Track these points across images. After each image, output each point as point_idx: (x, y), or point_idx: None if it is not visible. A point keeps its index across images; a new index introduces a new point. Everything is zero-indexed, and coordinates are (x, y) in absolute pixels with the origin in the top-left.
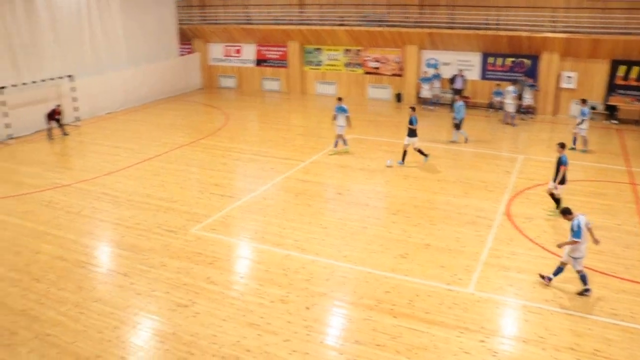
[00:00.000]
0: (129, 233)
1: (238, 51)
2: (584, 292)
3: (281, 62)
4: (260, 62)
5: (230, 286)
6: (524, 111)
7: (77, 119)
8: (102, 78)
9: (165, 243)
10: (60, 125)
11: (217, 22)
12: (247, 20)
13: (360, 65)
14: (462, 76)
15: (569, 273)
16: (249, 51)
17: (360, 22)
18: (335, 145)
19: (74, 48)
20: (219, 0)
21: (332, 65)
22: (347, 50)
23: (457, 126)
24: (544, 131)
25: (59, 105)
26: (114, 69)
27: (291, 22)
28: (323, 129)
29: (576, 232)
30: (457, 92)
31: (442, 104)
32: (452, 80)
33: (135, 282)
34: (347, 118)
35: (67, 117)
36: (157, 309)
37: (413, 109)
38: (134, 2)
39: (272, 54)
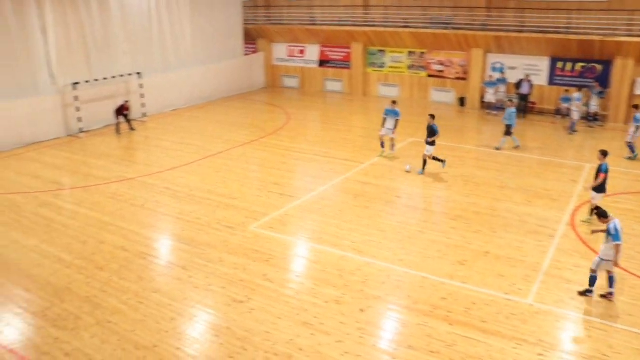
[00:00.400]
0: (189, 227)
1: (302, 52)
2: (586, 292)
3: (344, 64)
4: (323, 62)
5: (286, 284)
6: (591, 119)
7: (144, 115)
8: (169, 76)
9: (223, 239)
10: (128, 121)
11: (282, 22)
12: (312, 21)
13: (423, 68)
14: (528, 81)
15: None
16: (313, 52)
17: (425, 25)
18: (392, 148)
19: (143, 46)
20: (284, 1)
21: (395, 67)
22: (411, 53)
23: (509, 132)
24: (615, 139)
25: (127, 101)
26: (181, 67)
27: (355, 23)
28: None
29: (615, 235)
30: (523, 97)
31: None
32: (518, 84)
33: (193, 276)
34: (397, 122)
35: (135, 112)
36: (213, 303)
37: (432, 116)
38: (202, 2)
39: (335, 55)
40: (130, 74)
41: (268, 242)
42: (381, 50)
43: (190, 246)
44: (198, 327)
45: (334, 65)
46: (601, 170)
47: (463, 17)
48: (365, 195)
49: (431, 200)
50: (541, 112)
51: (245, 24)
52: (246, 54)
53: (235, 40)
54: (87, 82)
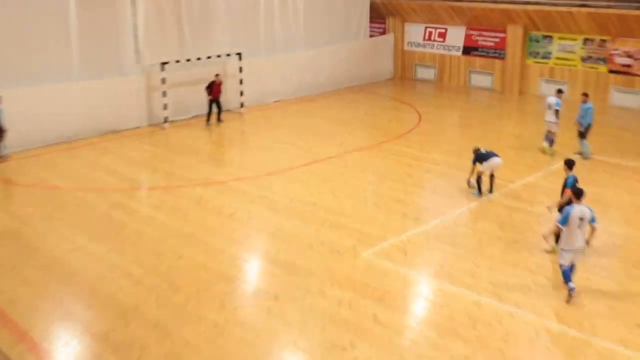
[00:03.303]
0: (286, 247)
1: (442, 35)
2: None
3: (496, 52)
4: (469, 50)
5: (402, 331)
6: None
7: (241, 105)
8: (275, 59)
9: (328, 265)
10: (219, 107)
11: None
12: None
13: (603, 60)
14: None
15: None
16: (456, 35)
17: (610, 3)
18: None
19: (247, 22)
20: None
21: (564, 58)
22: (588, 40)
23: (582, 134)
24: None
25: (218, 75)
26: (289, 49)
27: (514, 0)
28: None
29: (562, 217)
30: None
31: None
32: None
33: (287, 309)
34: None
35: (231, 102)
36: (308, 346)
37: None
38: None
39: (485, 40)
40: (228, 55)
41: (383, 274)
42: (547, 36)
43: (285, 271)
44: None
45: (483, 53)
46: (565, 184)
47: None
48: (514, 224)
49: (604, 239)
50: None
51: None
52: (371, 35)
53: (359, 17)
54: (177, 62)
